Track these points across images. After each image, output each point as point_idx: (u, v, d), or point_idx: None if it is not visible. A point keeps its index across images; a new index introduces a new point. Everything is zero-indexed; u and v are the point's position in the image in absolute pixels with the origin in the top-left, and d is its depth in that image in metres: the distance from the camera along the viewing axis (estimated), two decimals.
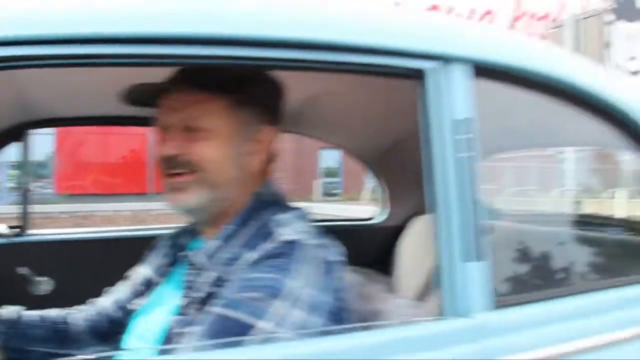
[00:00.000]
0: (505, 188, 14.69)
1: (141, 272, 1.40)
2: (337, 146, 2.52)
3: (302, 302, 1.05)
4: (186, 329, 1.08)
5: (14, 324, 1.33)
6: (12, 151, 2.00)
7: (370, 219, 2.51)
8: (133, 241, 1.89)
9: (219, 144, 1.17)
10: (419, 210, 1.62)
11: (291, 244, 1.10)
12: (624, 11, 29.96)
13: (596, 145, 1.76)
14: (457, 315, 1.08)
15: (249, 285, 1.06)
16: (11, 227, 1.97)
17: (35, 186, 16.51)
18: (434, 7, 19.56)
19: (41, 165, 20.51)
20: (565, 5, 20.68)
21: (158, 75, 1.15)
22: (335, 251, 1.18)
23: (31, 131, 1.97)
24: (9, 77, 1.42)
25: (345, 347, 1.01)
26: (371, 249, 2.15)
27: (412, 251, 1.59)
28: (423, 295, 1.37)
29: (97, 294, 1.46)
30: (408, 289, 1.46)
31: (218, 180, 1.17)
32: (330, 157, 22.96)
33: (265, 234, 1.13)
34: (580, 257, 1.48)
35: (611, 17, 29.03)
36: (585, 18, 13.33)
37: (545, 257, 1.42)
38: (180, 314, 1.14)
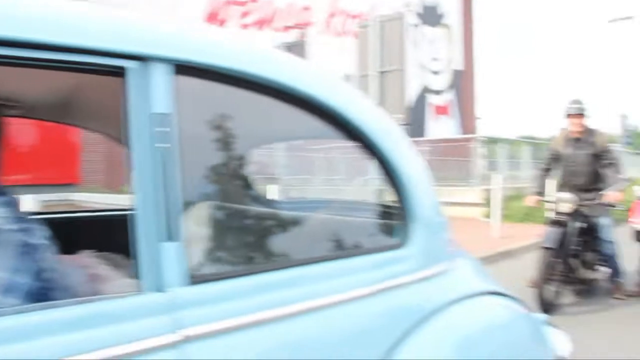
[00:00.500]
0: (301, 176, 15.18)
1: None
2: (105, 135, 2.53)
3: None
4: None
5: None
6: None
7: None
8: None
9: None
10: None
11: None
12: (428, 16, 32.28)
13: (309, 138, 1.96)
14: (153, 291, 1.20)
15: None
16: None
17: None
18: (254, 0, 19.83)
19: None
20: (375, 7, 21.88)
21: None
22: (39, 235, 1.23)
23: None
24: None
25: (34, 323, 1.06)
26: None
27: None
28: None
29: None
30: None
31: None
32: None
33: None
34: (279, 237, 1.66)
35: (417, 20, 31.12)
36: (389, 20, 14.16)
37: (244, 237, 1.58)
38: None
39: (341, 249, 1.70)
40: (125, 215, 2.55)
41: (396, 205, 1.70)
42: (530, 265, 5.88)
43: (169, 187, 1.22)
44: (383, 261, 1.61)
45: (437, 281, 1.74)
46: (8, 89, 1.72)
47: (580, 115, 6.06)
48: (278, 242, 1.61)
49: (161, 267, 1.21)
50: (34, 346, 1.02)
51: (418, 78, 33.62)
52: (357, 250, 1.69)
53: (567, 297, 6.09)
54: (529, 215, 11.38)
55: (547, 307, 5.53)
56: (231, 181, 1.60)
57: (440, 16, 35.05)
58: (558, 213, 5.84)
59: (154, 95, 1.23)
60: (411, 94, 32.61)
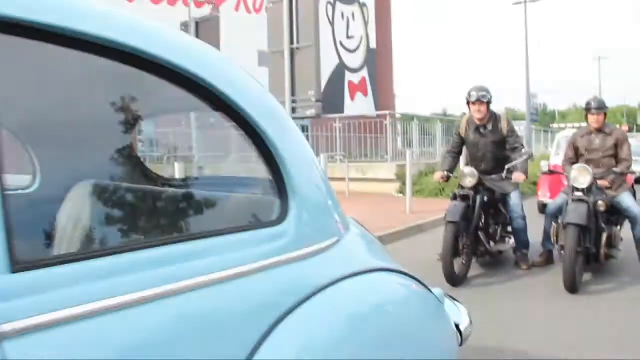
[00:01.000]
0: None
1: None
2: None
3: None
4: None
5: None
6: None
7: (26, 187, 2.31)
8: None
9: None
10: (74, 178, 1.52)
11: None
12: None
13: (174, 112, 1.79)
14: None
15: None
16: None
17: None
18: None
19: None
20: None
21: None
22: None
23: None
24: None
25: None
26: (27, 216, 1.98)
27: (68, 216, 1.48)
28: None
29: None
30: None
31: None
32: None
33: None
34: (142, 215, 1.48)
35: None
36: None
37: (96, 216, 1.40)
38: None
39: (213, 226, 1.54)
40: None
41: (274, 181, 1.56)
42: (441, 239, 5.92)
43: None
44: (259, 238, 1.47)
45: (320, 258, 1.62)
46: None
47: (482, 101, 6.12)
48: (141, 221, 1.44)
49: None
50: None
51: (334, 55, 33.68)
52: (231, 227, 1.53)
53: (475, 269, 6.19)
54: (441, 190, 11.60)
55: (454, 279, 5.59)
56: (84, 156, 1.40)
57: None
58: (462, 187, 5.90)
59: None
60: (327, 71, 32.66)
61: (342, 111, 28.47)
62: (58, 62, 1.27)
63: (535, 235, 6.41)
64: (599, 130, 6.13)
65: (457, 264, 5.72)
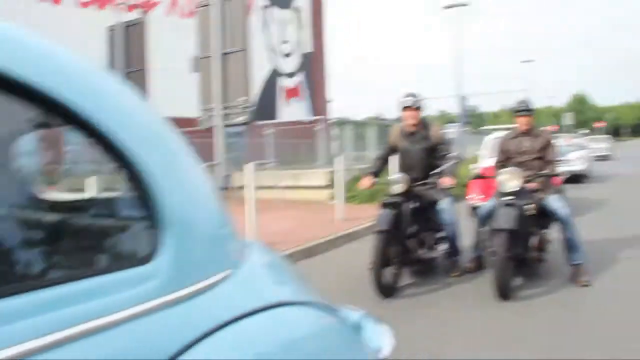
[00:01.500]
0: None
1: None
2: None
3: None
4: None
5: None
6: None
7: None
8: None
9: None
10: None
11: None
12: None
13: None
14: None
15: None
16: None
17: None
18: None
19: None
20: None
21: None
22: None
23: None
24: None
25: None
26: None
27: None
28: None
29: None
30: None
31: None
32: None
33: None
34: None
35: (266, 2, 30.78)
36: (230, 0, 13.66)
37: None
38: None
39: (69, 268, 1.27)
40: None
41: (143, 209, 1.30)
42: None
43: None
44: (120, 282, 1.21)
45: (206, 298, 1.37)
46: None
47: (413, 108, 6.02)
48: None
49: None
50: None
51: (268, 60, 33.42)
52: (90, 269, 1.27)
53: (407, 278, 6.06)
54: (374, 197, 11.47)
55: (385, 290, 5.43)
56: None
57: None
58: (392, 195, 5.76)
59: None
60: (260, 76, 32.37)
61: (276, 117, 28.29)
62: None
63: (467, 240, 6.35)
64: (528, 132, 6.10)
65: (388, 274, 5.57)
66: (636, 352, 3.86)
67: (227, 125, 13.78)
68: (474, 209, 7.58)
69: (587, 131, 46.89)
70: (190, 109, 14.59)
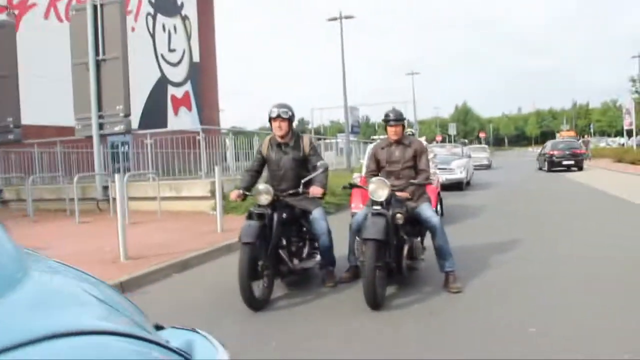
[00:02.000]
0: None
1: None
2: None
3: None
4: None
5: None
6: None
7: None
8: None
9: None
10: None
11: None
12: (165, 6, 31.30)
13: None
14: None
15: None
16: None
17: None
18: None
19: None
20: None
21: None
22: None
23: None
24: None
25: None
26: None
27: None
28: None
29: None
30: None
31: None
32: None
33: None
34: None
35: (152, 10, 29.95)
36: (107, 4, 13.10)
37: None
38: None
39: None
40: None
41: None
42: None
43: None
44: None
45: None
46: None
47: (282, 119, 5.90)
48: None
49: None
50: None
51: (156, 69, 32.57)
52: None
53: (280, 289, 5.90)
54: None
55: (254, 304, 5.23)
56: None
57: (179, 7, 34.30)
58: (259, 206, 5.58)
59: None
60: (149, 84, 31.49)
61: (165, 126, 27.52)
62: None
63: (345, 249, 6.28)
64: (399, 142, 6.11)
65: (258, 287, 5.39)
66: (493, 356, 3.88)
67: (103, 135, 13.19)
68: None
69: (465, 140, 48.92)
70: (70, 118, 13.85)
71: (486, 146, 43.71)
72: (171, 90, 33.63)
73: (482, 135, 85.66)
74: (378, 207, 5.34)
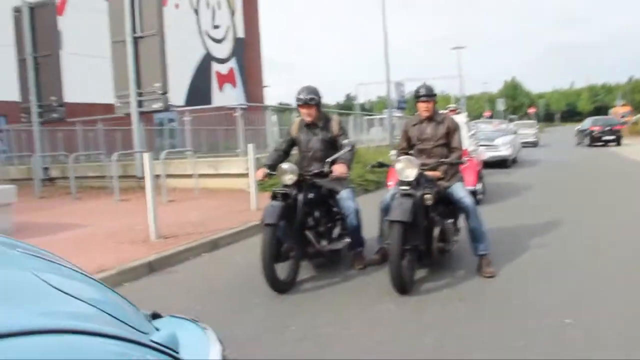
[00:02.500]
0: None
1: None
2: None
3: None
4: None
5: None
6: None
7: None
8: None
9: None
10: None
11: None
12: None
13: None
14: None
15: None
16: None
17: None
18: None
19: None
20: None
21: None
22: None
23: None
24: None
25: None
26: None
27: None
28: None
29: None
30: None
31: None
32: None
33: None
34: None
35: None
36: None
37: None
38: None
39: None
40: None
41: None
42: None
43: None
44: None
45: None
46: None
47: (310, 105, 5.75)
48: None
49: None
50: None
51: (200, 46, 32.67)
52: None
53: (308, 271, 5.77)
54: None
55: (279, 286, 5.11)
56: None
57: None
58: (284, 186, 5.43)
59: None
60: (194, 61, 31.65)
61: (210, 103, 27.62)
62: None
63: (376, 230, 6.09)
64: (430, 119, 5.85)
65: (283, 268, 5.26)
66: (520, 351, 3.64)
67: (142, 112, 13.21)
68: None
69: (514, 116, 47.55)
70: (110, 96, 13.95)
71: (534, 122, 41.87)
72: (216, 67, 33.73)
73: (531, 110, 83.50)
74: (406, 187, 5.11)
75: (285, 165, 5.47)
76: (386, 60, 23.38)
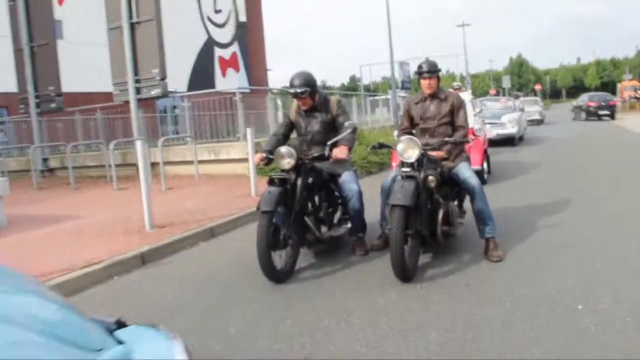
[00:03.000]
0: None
1: None
2: None
3: None
4: None
5: None
6: None
7: None
8: None
9: None
10: None
11: None
12: None
13: None
14: None
15: None
16: None
17: None
18: None
19: None
20: None
21: None
22: None
23: None
24: None
25: None
26: None
27: None
28: None
29: None
30: None
31: None
32: None
33: None
34: None
35: None
36: None
37: None
38: None
39: None
40: None
41: None
42: None
43: None
44: None
45: None
46: None
47: (303, 97, 5.47)
48: None
49: None
50: None
51: (202, 31, 32.37)
52: None
53: (307, 259, 5.53)
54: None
55: (276, 275, 4.87)
56: None
57: None
58: (282, 171, 5.16)
59: None
60: (196, 46, 31.35)
61: (213, 88, 27.31)
62: None
63: (378, 214, 5.84)
64: (433, 96, 5.56)
65: (280, 257, 5.01)
66: (531, 342, 3.38)
67: (140, 99, 12.93)
68: None
69: (518, 93, 46.71)
70: (109, 84, 13.67)
71: (538, 99, 40.91)
72: (218, 52, 33.43)
73: (537, 87, 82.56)
74: (407, 169, 4.83)
75: (283, 149, 5.19)
76: (389, 40, 23.00)
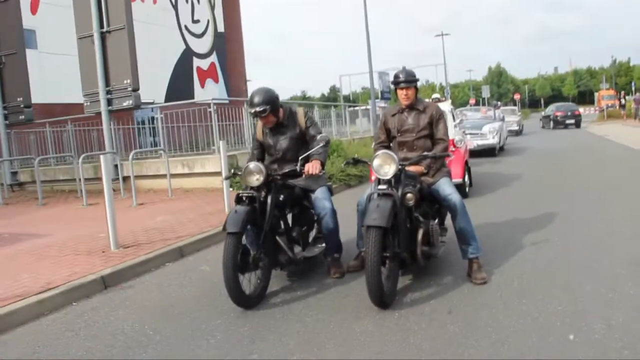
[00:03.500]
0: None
1: None
2: None
3: None
4: None
5: None
6: None
7: None
8: None
9: None
10: None
11: None
12: None
13: None
14: None
15: None
16: None
17: None
18: None
19: None
20: None
21: None
22: None
23: None
24: None
25: None
26: None
27: None
28: None
29: None
30: None
31: None
32: None
33: None
34: None
35: None
36: None
37: None
38: None
39: None
40: None
41: None
42: None
43: None
44: None
45: None
46: None
47: (264, 116, 5.10)
48: None
49: None
50: None
51: (180, 41, 31.97)
52: None
53: (281, 281, 5.19)
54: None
55: (245, 301, 4.51)
56: None
57: None
58: (250, 188, 4.80)
59: None
60: (174, 57, 30.95)
61: (192, 99, 26.87)
62: None
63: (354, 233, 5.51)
64: (411, 107, 5.26)
65: (250, 281, 4.67)
66: None
67: (112, 111, 12.51)
68: None
69: (497, 102, 46.65)
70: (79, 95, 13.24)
71: (516, 108, 40.48)
72: (197, 62, 32.99)
73: (516, 97, 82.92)
74: (384, 187, 4.50)
75: (251, 165, 4.81)
76: (368, 50, 22.81)
